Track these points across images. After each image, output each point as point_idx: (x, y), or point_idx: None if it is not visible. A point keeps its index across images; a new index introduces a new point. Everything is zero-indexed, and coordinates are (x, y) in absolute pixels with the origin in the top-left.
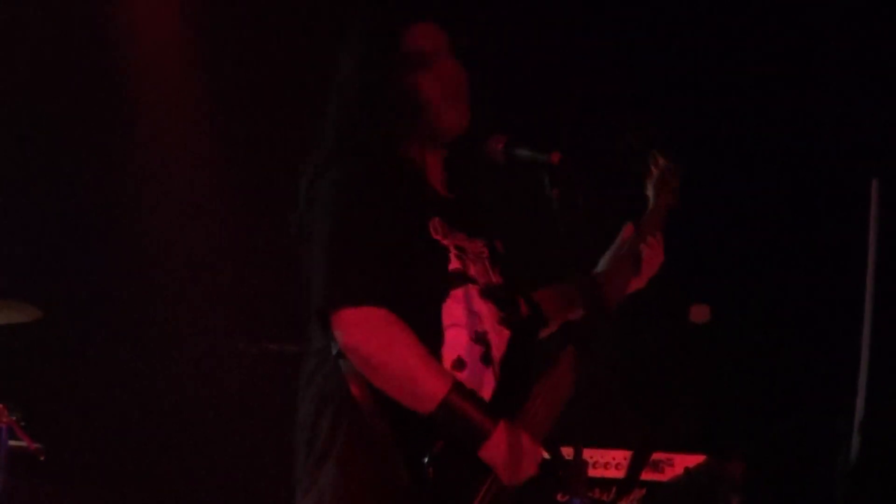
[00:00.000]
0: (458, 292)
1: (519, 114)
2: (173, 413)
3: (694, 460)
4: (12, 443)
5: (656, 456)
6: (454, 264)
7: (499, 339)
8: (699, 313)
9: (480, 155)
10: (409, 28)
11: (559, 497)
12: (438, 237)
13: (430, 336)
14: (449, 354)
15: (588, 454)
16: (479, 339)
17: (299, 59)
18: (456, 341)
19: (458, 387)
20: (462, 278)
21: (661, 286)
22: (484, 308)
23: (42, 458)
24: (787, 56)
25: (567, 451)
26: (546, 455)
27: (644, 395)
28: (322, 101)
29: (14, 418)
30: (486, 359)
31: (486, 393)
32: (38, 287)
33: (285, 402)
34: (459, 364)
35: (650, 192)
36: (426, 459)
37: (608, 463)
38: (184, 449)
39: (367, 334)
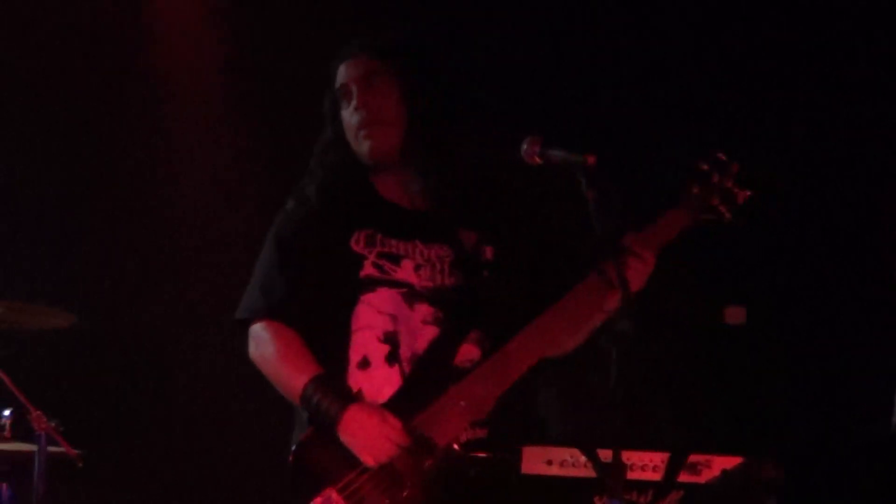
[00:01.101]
0: (369, 297)
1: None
2: (212, 418)
3: (731, 462)
4: (51, 449)
5: (693, 458)
6: (367, 271)
7: (415, 339)
8: (735, 315)
9: (516, 157)
10: (339, 65)
11: (597, 500)
12: (357, 248)
13: (339, 340)
14: (355, 355)
15: (625, 456)
16: (388, 339)
17: (325, 51)
18: (362, 343)
19: (315, 380)
20: (376, 283)
21: (696, 288)
22: (405, 309)
23: (80, 465)
24: (824, 57)
25: (605, 454)
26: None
27: (681, 398)
28: None
29: (52, 424)
30: (392, 357)
31: (390, 389)
32: (73, 292)
33: None
34: (364, 363)
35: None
36: (293, 446)
37: (645, 465)
38: (222, 454)
39: (253, 345)
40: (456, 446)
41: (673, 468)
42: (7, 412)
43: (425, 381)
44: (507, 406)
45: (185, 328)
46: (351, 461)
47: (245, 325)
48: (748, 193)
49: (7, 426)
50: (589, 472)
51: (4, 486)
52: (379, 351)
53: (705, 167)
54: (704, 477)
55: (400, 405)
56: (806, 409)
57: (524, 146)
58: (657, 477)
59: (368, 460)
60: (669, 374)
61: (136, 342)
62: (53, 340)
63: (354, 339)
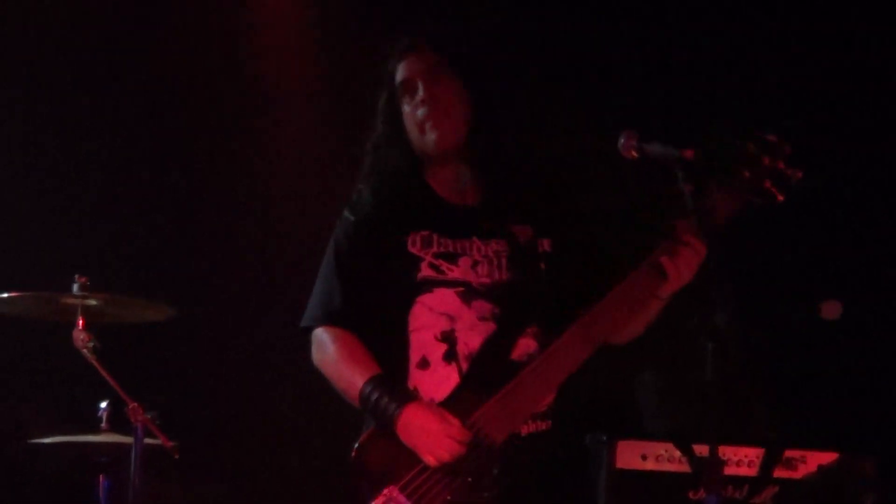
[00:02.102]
0: (425, 298)
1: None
2: (308, 411)
3: (827, 458)
4: (147, 441)
5: (789, 453)
6: (424, 273)
7: (471, 336)
8: (831, 310)
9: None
10: (400, 61)
11: (692, 494)
12: (414, 250)
13: (397, 341)
14: (415, 356)
15: (720, 451)
16: (445, 338)
17: None
18: (420, 343)
19: (372, 380)
20: (433, 284)
21: (792, 283)
22: (462, 308)
23: (177, 456)
24: None
25: (699, 449)
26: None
27: (777, 393)
28: None
29: (149, 417)
30: (450, 356)
31: (449, 387)
32: (174, 285)
33: None
34: (423, 363)
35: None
36: (355, 445)
37: (741, 460)
38: (318, 448)
39: (315, 350)
40: (515, 440)
41: (768, 463)
42: (104, 404)
43: (483, 378)
44: (570, 397)
45: (282, 322)
46: (411, 459)
47: (308, 332)
48: (800, 174)
49: (104, 418)
50: (683, 467)
51: (101, 477)
52: (437, 350)
53: (754, 149)
54: (800, 473)
55: (458, 402)
56: None
57: (621, 140)
58: (752, 472)
59: (430, 460)
60: (765, 369)
61: (233, 335)
62: (152, 333)
63: (412, 339)
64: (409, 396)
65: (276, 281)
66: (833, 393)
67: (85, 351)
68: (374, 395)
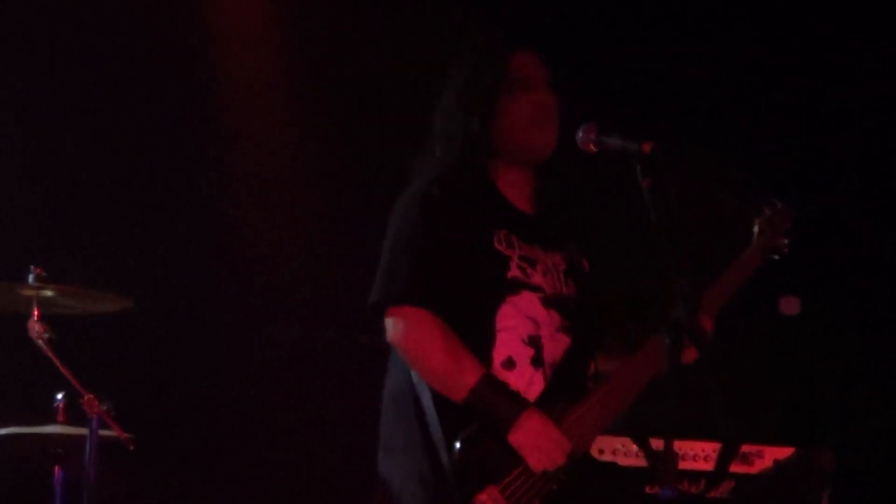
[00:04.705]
0: (515, 298)
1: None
2: (263, 404)
3: (783, 453)
4: (103, 432)
5: (745, 448)
6: (514, 273)
7: (554, 345)
8: (789, 305)
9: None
10: (513, 55)
11: (648, 489)
12: (501, 248)
13: (482, 337)
14: (499, 355)
15: (677, 446)
16: (532, 342)
17: (389, 57)
18: (507, 343)
19: (486, 378)
20: (521, 286)
21: (750, 278)
22: (544, 315)
23: (132, 448)
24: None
25: (657, 443)
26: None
27: (734, 388)
28: (408, 99)
29: (104, 408)
30: (537, 361)
31: (534, 392)
32: (129, 277)
33: (375, 394)
34: (509, 363)
35: (755, 231)
36: (458, 441)
37: (697, 455)
38: (272, 440)
39: (406, 331)
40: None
41: (725, 458)
42: (59, 395)
43: (564, 389)
44: None
45: (241, 314)
46: (512, 461)
47: (381, 308)
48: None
49: (60, 409)
50: (640, 462)
51: (57, 468)
52: (524, 353)
53: (768, 213)
54: (757, 467)
55: (547, 409)
56: (860, 400)
57: (579, 133)
58: (709, 467)
59: (537, 466)
60: (723, 364)
61: (189, 327)
62: (108, 324)
63: (499, 338)
64: (525, 401)
65: (232, 273)
66: (791, 388)
67: (40, 342)
68: (490, 394)
